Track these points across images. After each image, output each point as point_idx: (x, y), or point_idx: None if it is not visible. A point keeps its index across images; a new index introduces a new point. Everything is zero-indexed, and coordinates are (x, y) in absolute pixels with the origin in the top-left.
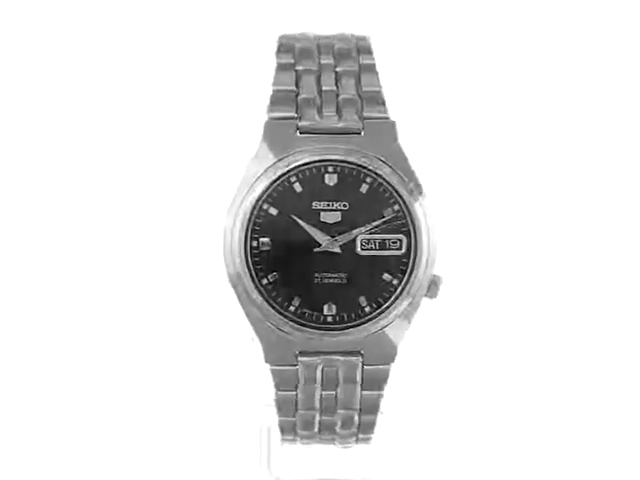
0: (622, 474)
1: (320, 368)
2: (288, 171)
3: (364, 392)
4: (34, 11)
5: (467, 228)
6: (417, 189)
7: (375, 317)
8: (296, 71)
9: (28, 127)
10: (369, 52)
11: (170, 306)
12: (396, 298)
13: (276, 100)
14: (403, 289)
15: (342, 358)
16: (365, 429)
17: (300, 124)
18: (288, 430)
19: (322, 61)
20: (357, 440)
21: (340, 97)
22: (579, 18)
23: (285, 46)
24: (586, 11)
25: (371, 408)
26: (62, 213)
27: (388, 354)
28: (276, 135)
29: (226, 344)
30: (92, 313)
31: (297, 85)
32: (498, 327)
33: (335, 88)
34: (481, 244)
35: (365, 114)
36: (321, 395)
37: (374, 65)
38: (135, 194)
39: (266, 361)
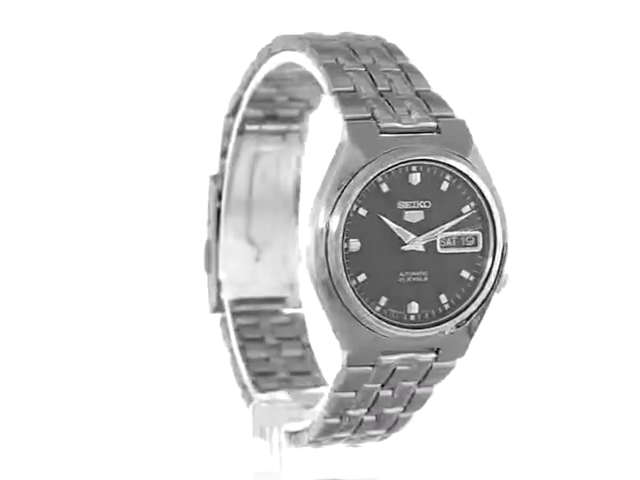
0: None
1: (393, 367)
2: (380, 172)
3: (419, 389)
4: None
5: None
6: (494, 186)
7: (455, 314)
8: (345, 71)
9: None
10: (399, 52)
11: None
12: (474, 295)
13: (347, 101)
14: (481, 286)
15: (418, 356)
16: (398, 426)
17: (382, 125)
18: (325, 432)
19: (363, 61)
20: (381, 438)
21: (402, 97)
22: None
23: (318, 47)
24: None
25: (417, 405)
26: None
27: (460, 350)
28: (362, 137)
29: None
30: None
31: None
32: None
33: (390, 88)
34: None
35: (434, 113)
36: (377, 394)
37: (414, 65)
38: None
39: (348, 364)
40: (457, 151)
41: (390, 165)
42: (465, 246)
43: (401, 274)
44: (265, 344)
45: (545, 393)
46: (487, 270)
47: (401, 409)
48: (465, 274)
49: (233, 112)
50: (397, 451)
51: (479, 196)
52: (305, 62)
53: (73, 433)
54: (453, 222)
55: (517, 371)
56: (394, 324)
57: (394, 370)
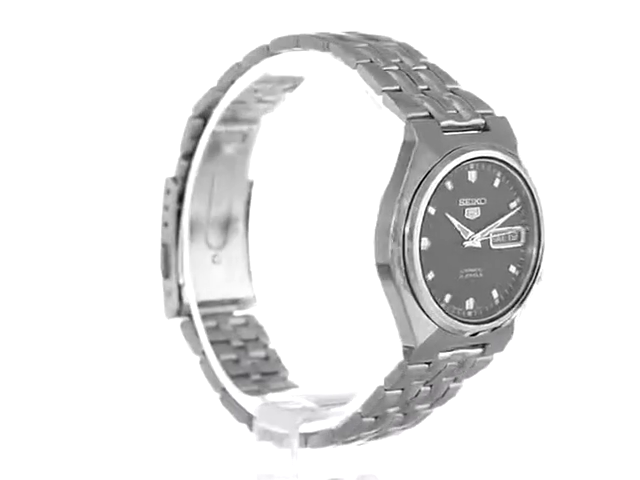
0: None
1: (445, 364)
2: (450, 170)
3: (453, 384)
4: None
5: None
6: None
7: (507, 310)
8: (384, 71)
9: None
10: (417, 51)
11: None
12: (522, 290)
13: (400, 100)
14: (527, 280)
15: (469, 351)
16: (417, 422)
17: (442, 124)
18: (356, 432)
19: (393, 60)
20: (396, 434)
21: (443, 95)
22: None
23: (349, 47)
24: None
25: (445, 400)
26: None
27: (502, 344)
28: (430, 135)
29: None
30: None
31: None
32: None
33: (428, 87)
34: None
35: (478, 111)
36: (419, 391)
37: (436, 64)
38: None
39: (410, 362)
40: (507, 147)
41: (457, 163)
42: (510, 241)
43: (461, 271)
44: (232, 346)
45: (545, 393)
46: (532, 264)
47: (428, 405)
48: (512, 269)
49: (203, 114)
50: (397, 451)
51: (525, 191)
52: (325, 62)
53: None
54: (505, 217)
55: (516, 371)
56: (457, 320)
57: (445, 366)
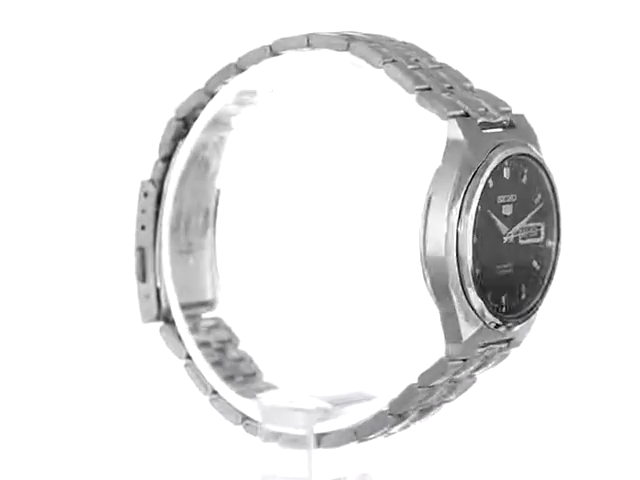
0: None
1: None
2: (494, 168)
3: (468, 379)
4: None
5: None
6: None
7: (533, 306)
8: (410, 70)
9: None
10: (426, 52)
11: None
12: (542, 285)
13: (436, 99)
14: (547, 276)
15: (497, 347)
16: (431, 415)
17: (479, 121)
18: (377, 430)
19: (412, 58)
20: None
21: (469, 94)
22: None
23: (372, 46)
24: None
25: (459, 394)
26: None
27: (521, 339)
28: (473, 133)
29: None
30: None
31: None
32: None
33: (452, 85)
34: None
35: (501, 108)
36: (443, 388)
37: (446, 63)
38: None
39: (451, 359)
40: (533, 144)
41: (500, 160)
42: (532, 237)
43: (498, 267)
44: (213, 347)
45: (546, 393)
46: (552, 259)
47: (442, 401)
48: (535, 264)
49: (187, 116)
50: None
51: (547, 186)
52: (342, 62)
53: None
54: (532, 213)
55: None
56: (497, 316)
57: (473, 362)
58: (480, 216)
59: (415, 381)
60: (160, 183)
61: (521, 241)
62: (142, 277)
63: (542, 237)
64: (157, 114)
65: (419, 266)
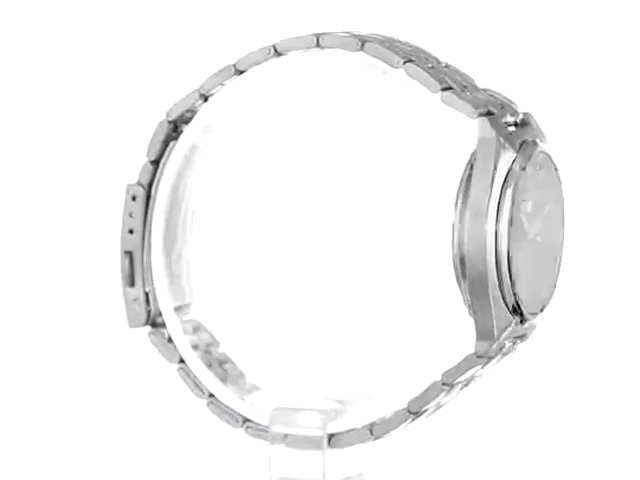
0: None
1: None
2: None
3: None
4: None
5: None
6: None
7: (548, 300)
8: (429, 69)
9: None
10: (431, 53)
11: None
12: (555, 280)
13: (463, 98)
14: (558, 271)
15: (513, 342)
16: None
17: (502, 120)
18: (393, 428)
19: (426, 58)
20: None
21: (483, 93)
22: None
23: (389, 46)
24: None
25: (466, 384)
26: None
27: (530, 334)
28: (502, 132)
29: None
30: None
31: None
32: None
33: (466, 84)
34: None
35: (512, 107)
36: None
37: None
38: None
39: (479, 355)
40: (544, 140)
41: (529, 157)
42: (545, 233)
43: (523, 263)
44: (200, 350)
45: (545, 393)
46: (560, 255)
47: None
48: (550, 259)
49: (177, 119)
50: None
51: (558, 183)
52: (355, 62)
53: None
54: (547, 208)
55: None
56: (521, 312)
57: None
58: (513, 214)
59: (438, 378)
60: (149, 186)
61: (538, 238)
62: (130, 281)
63: (552, 234)
64: (145, 117)
65: (449, 265)
